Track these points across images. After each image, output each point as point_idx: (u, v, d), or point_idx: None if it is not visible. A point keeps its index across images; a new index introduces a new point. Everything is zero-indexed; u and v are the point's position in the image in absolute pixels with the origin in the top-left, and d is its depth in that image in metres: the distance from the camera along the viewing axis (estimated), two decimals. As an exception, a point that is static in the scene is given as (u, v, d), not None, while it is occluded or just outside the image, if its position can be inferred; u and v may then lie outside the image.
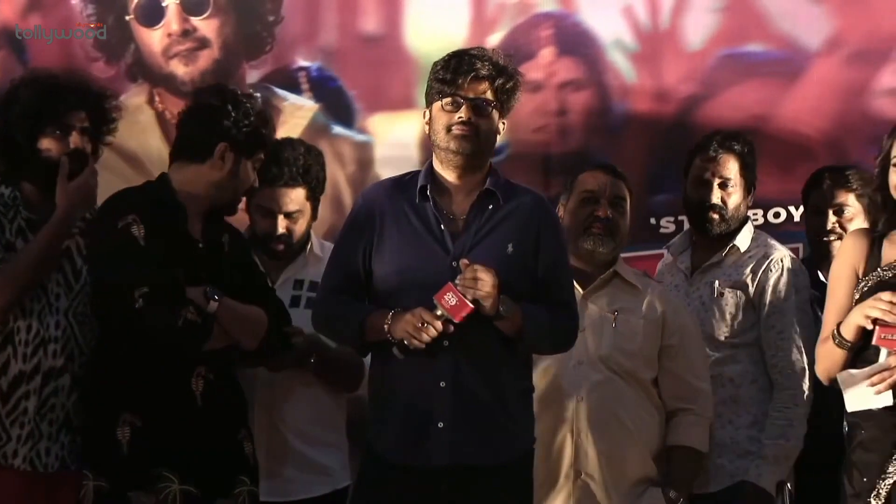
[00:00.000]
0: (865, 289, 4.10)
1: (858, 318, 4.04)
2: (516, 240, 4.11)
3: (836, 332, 4.10)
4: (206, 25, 5.86)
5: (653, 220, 5.76)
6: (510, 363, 4.13)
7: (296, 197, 4.71)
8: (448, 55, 4.15)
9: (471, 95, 4.08)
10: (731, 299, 4.77)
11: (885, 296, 3.99)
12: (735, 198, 4.82)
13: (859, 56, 5.80)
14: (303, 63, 5.95)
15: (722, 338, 4.76)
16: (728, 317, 4.76)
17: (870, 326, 4.02)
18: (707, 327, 4.75)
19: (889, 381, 3.98)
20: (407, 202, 4.13)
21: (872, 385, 4.01)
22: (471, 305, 3.94)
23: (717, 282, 4.80)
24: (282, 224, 4.69)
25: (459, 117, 4.07)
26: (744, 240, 4.84)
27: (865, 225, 4.76)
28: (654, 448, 4.56)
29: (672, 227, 5.76)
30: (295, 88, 5.94)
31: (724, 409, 4.70)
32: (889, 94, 5.77)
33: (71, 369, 4.33)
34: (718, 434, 4.69)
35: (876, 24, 5.81)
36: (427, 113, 4.17)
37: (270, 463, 4.59)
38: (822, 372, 4.23)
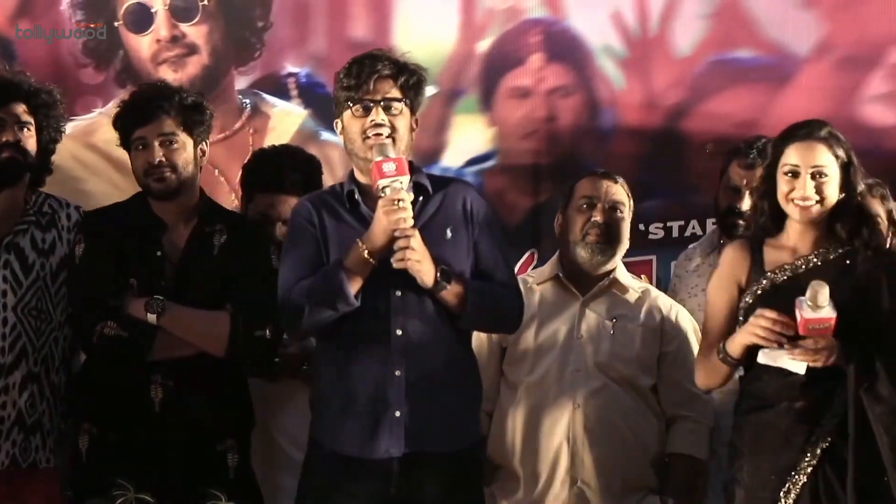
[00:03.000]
0: (759, 291, 4.14)
1: (745, 338, 4.08)
2: (453, 226, 4.13)
3: (721, 349, 4.13)
4: (195, 31, 5.84)
5: (641, 227, 5.76)
6: (460, 349, 4.15)
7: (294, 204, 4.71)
8: (349, 62, 4.16)
9: (378, 97, 4.08)
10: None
11: (767, 314, 4.02)
12: None
13: (848, 62, 5.82)
14: (292, 69, 5.94)
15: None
16: None
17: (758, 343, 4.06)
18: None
19: (806, 353, 3.99)
20: (341, 207, 4.15)
21: (791, 354, 4.03)
22: (399, 156, 3.97)
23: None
24: (279, 231, 4.68)
25: (372, 121, 4.07)
26: None
27: None
28: (652, 455, 4.55)
29: (661, 234, 5.76)
30: (284, 94, 5.93)
31: None
32: (878, 99, 5.78)
33: (23, 366, 4.33)
34: None
35: (865, 30, 5.83)
36: (339, 123, 4.16)
37: (263, 469, 4.58)
38: (702, 384, 4.28)
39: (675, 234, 5.86)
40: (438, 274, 4.01)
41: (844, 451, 4.02)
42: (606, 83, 5.90)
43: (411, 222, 3.97)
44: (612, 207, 4.58)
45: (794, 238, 4.17)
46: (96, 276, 4.28)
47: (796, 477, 4.06)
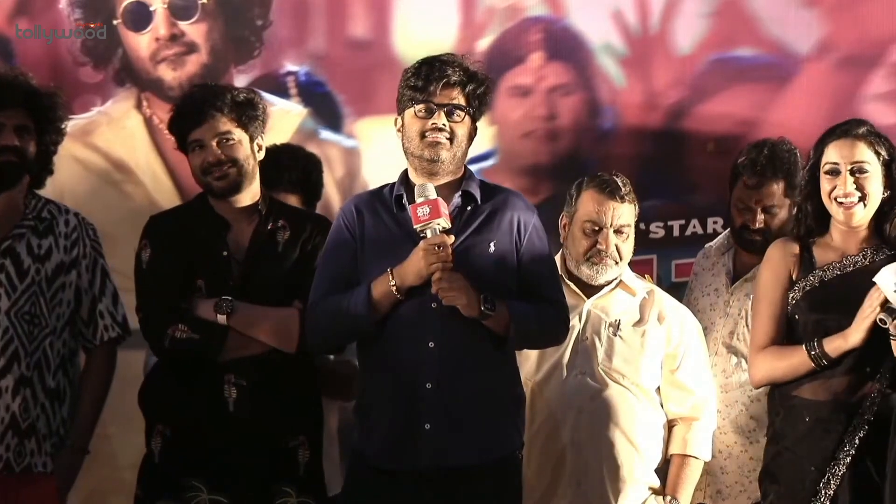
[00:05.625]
0: (808, 287, 4.17)
1: (862, 325, 4.05)
2: (498, 238, 4.13)
3: (817, 349, 4.10)
4: (193, 30, 5.82)
5: (642, 226, 5.73)
6: (496, 363, 4.13)
7: (293, 202, 4.71)
8: (419, 62, 4.17)
9: (443, 101, 4.08)
10: None
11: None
12: (780, 218, 4.77)
13: (849, 61, 5.81)
14: (291, 68, 5.92)
15: None
16: None
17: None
18: (743, 343, 4.71)
19: None
20: (386, 212, 4.15)
21: None
22: (435, 197, 3.97)
23: None
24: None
25: (433, 124, 4.07)
26: None
27: None
28: (655, 457, 4.55)
29: (661, 233, 5.75)
30: (283, 93, 5.91)
31: (758, 424, 4.69)
32: (879, 98, 5.77)
33: (15, 370, 4.32)
34: (752, 448, 4.69)
35: (866, 29, 5.82)
36: (399, 120, 4.17)
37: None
38: (763, 378, 4.29)
39: (676, 233, 5.84)
40: (482, 304, 4.01)
41: (882, 442, 4.01)
42: (607, 82, 5.89)
43: (450, 266, 3.97)
44: (618, 231, 4.55)
45: (840, 238, 4.18)
46: (164, 279, 4.34)
47: (836, 468, 4.05)
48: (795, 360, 4.19)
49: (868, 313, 4.04)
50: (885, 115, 5.63)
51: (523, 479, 4.40)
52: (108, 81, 5.82)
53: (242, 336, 4.28)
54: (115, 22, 5.83)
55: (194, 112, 4.41)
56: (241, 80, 5.88)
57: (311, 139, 5.78)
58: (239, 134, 4.40)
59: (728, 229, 5.02)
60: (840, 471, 4.07)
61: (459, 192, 4.14)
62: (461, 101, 4.11)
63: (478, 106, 4.16)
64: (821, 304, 4.14)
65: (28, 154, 4.45)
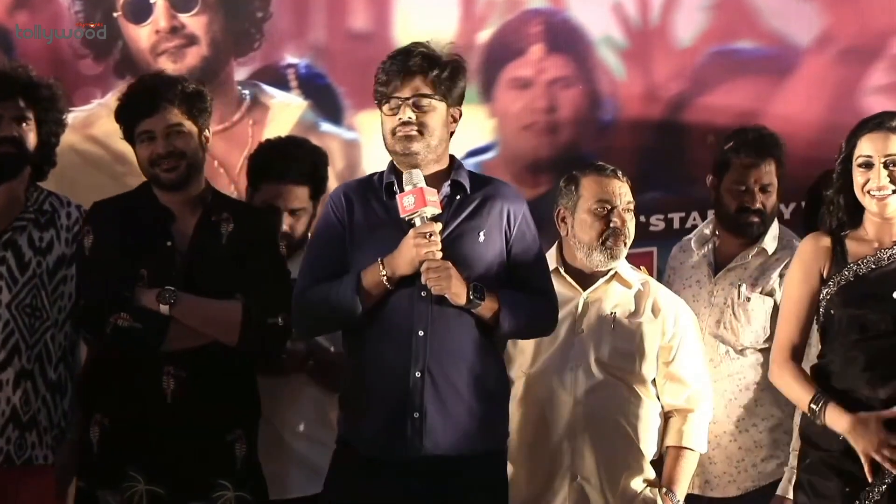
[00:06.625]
0: (843, 282, 4.14)
1: (855, 441, 4.02)
2: (487, 228, 4.12)
3: (818, 411, 4.08)
4: (194, 22, 5.83)
5: (642, 218, 5.74)
6: (485, 353, 4.13)
7: (301, 194, 4.73)
8: (388, 56, 4.15)
9: (407, 94, 4.07)
10: (758, 305, 4.75)
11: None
12: (773, 200, 4.82)
13: (850, 53, 5.80)
14: (291, 60, 5.92)
15: (747, 343, 4.74)
16: (755, 322, 4.75)
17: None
18: (731, 332, 4.74)
19: None
20: (375, 200, 4.14)
21: None
22: (422, 185, 3.96)
23: (742, 285, 4.78)
24: (286, 221, 4.69)
25: (400, 118, 4.06)
26: (771, 241, 4.81)
27: None
28: (651, 449, 4.55)
29: (662, 225, 5.75)
30: (283, 85, 5.92)
31: (747, 413, 4.72)
32: (879, 90, 5.77)
33: (16, 363, 4.32)
34: (742, 438, 4.70)
35: (866, 21, 5.81)
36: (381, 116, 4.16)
37: (267, 461, 4.58)
38: (774, 383, 4.28)
39: (676, 225, 5.84)
40: (471, 292, 4.01)
41: None
42: (607, 74, 5.88)
43: (440, 255, 3.96)
44: (626, 209, 4.56)
45: (874, 231, 4.17)
46: (107, 267, 4.28)
47: (870, 493, 4.04)
48: (801, 401, 4.17)
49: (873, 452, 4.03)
50: (886, 108, 5.59)
51: (517, 472, 4.41)
52: (109, 74, 5.83)
53: (184, 327, 4.24)
54: (115, 14, 5.83)
55: (145, 102, 4.36)
56: (241, 73, 5.89)
57: (312, 131, 5.78)
58: (189, 126, 4.37)
59: (703, 223, 5.02)
60: (875, 497, 4.05)
61: (448, 182, 4.14)
62: (426, 89, 4.08)
63: (447, 90, 4.12)
64: (856, 298, 4.11)
65: (27, 145, 4.45)
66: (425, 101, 4.08)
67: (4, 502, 4.36)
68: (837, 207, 4.21)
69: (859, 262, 4.13)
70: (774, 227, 4.86)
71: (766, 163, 4.80)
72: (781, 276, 4.72)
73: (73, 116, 5.44)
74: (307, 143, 4.93)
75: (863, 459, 4.01)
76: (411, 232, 3.97)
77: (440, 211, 4.02)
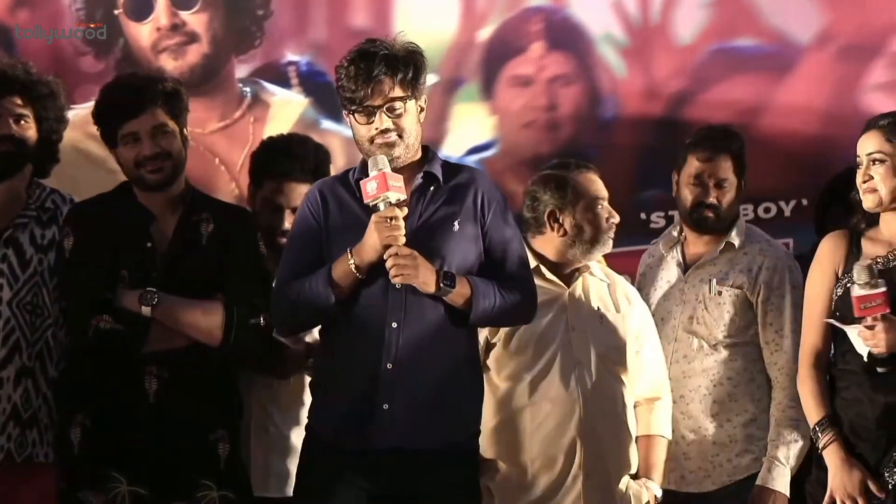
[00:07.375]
0: (850, 284, 4.14)
1: (831, 478, 4.15)
2: (461, 217, 4.11)
3: (817, 436, 4.20)
4: (195, 20, 5.84)
5: (643, 216, 5.76)
6: (460, 345, 4.13)
7: (303, 192, 4.71)
8: (346, 61, 4.09)
9: (379, 102, 4.04)
10: (728, 298, 4.75)
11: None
12: (729, 196, 4.81)
13: (850, 50, 5.80)
14: (292, 57, 5.93)
15: (720, 337, 4.74)
16: (726, 316, 4.75)
17: None
18: (704, 326, 4.75)
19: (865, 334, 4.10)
20: (349, 196, 4.13)
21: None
22: (385, 170, 3.95)
23: (713, 280, 4.79)
24: (289, 219, 4.68)
25: (377, 128, 4.05)
26: (737, 236, 4.83)
27: None
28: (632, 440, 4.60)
29: (662, 223, 5.75)
30: (284, 83, 5.93)
31: (721, 409, 4.71)
32: (880, 88, 5.77)
33: (17, 360, 4.33)
34: (716, 433, 4.71)
35: (867, 18, 5.82)
36: (348, 118, 4.13)
37: (266, 459, 4.61)
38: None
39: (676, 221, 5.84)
40: (441, 280, 4.00)
41: None
42: (608, 72, 5.89)
43: (403, 240, 3.96)
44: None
45: (888, 231, 4.20)
46: (88, 269, 4.27)
47: (887, 476, 4.08)
48: (810, 418, 4.26)
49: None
50: (886, 105, 5.61)
51: (529, 473, 4.40)
52: (110, 71, 5.83)
53: (166, 328, 4.24)
54: (116, 12, 5.84)
55: (129, 103, 4.32)
56: (242, 70, 5.90)
57: (313, 129, 5.79)
58: (172, 125, 4.35)
59: (671, 226, 5.02)
60: (892, 482, 4.10)
61: (421, 174, 4.12)
62: (397, 91, 4.05)
63: (413, 88, 4.09)
64: None
65: (27, 142, 4.45)
66: (398, 105, 4.06)
67: (5, 500, 4.36)
68: (858, 207, 4.26)
69: (871, 260, 4.15)
70: (741, 223, 4.88)
71: (721, 158, 4.79)
72: (749, 269, 4.75)
73: (74, 114, 5.42)
74: (310, 140, 4.92)
75: (828, 493, 4.14)
76: (374, 216, 3.96)
77: (404, 196, 4.00)
